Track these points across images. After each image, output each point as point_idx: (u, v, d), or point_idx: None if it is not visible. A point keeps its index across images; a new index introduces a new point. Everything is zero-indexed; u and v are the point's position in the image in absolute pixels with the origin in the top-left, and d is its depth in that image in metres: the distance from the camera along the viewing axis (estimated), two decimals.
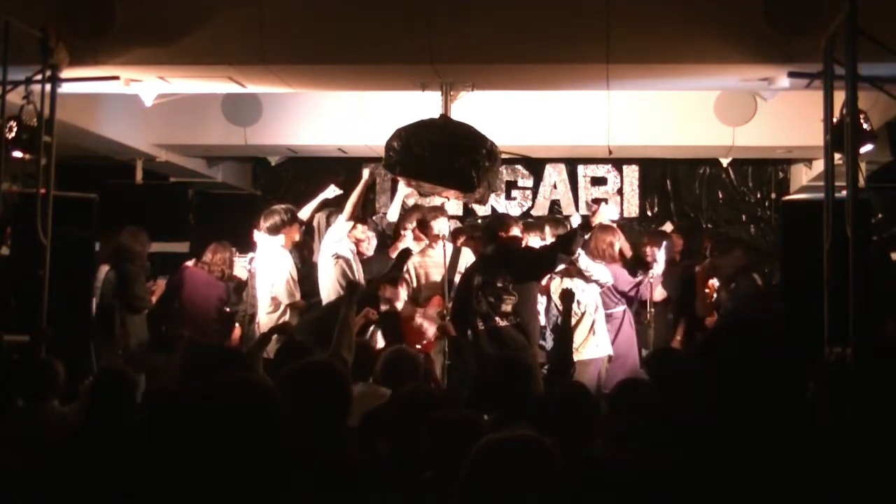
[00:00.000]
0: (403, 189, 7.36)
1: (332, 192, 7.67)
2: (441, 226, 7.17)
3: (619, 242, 7.22)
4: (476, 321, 6.28)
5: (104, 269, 7.30)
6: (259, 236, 7.49)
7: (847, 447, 3.18)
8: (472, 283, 6.35)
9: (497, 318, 6.28)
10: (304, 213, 7.57)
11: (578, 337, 6.59)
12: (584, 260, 6.72)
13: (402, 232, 7.62)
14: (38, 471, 3.52)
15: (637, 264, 7.58)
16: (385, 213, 8.42)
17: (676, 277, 7.52)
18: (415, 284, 7.15)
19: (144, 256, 7.51)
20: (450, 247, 7.18)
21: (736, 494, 2.25)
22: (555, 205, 10.17)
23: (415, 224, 7.53)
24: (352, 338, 4.66)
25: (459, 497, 2.06)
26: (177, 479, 2.65)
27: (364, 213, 8.08)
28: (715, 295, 7.03)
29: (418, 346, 6.77)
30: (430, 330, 6.84)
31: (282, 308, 7.08)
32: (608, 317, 6.99)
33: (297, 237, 7.42)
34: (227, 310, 7.83)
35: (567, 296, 5.93)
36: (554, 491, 1.99)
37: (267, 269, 7.16)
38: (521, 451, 2.04)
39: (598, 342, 6.74)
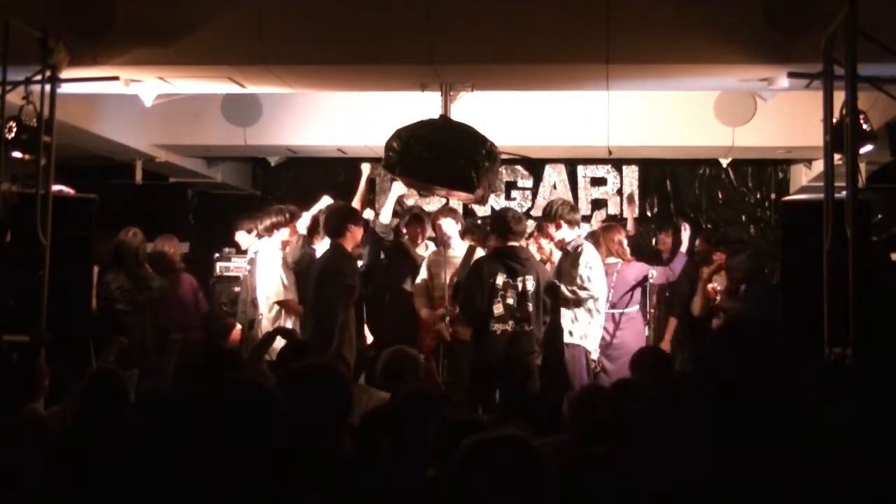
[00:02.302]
0: (397, 190, 7.38)
1: (325, 202, 7.67)
2: (448, 226, 7.19)
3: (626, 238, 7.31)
4: (490, 322, 6.25)
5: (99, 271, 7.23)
6: (242, 237, 7.51)
7: (843, 446, 3.18)
8: (494, 281, 6.29)
9: (511, 322, 6.26)
10: (301, 225, 7.53)
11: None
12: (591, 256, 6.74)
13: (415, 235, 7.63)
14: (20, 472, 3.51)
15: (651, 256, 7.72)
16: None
17: (681, 274, 7.58)
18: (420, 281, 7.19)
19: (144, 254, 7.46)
20: (461, 247, 7.20)
21: (735, 494, 2.25)
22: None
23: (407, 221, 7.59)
24: (352, 339, 4.66)
25: (444, 498, 2.05)
26: (174, 480, 2.65)
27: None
28: (718, 298, 7.04)
29: (429, 342, 6.83)
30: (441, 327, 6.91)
31: (276, 309, 7.08)
32: (624, 315, 7.01)
33: (291, 237, 7.40)
34: (225, 309, 7.83)
35: (552, 289, 5.90)
36: (540, 492, 1.97)
37: (264, 271, 7.16)
38: (503, 452, 2.03)
39: (584, 332, 6.72)
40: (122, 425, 3.93)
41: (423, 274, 7.24)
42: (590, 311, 6.63)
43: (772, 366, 2.29)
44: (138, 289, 7.05)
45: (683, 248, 7.51)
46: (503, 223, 6.55)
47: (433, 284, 7.16)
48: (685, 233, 7.60)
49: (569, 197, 10.00)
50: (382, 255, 7.61)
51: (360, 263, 7.38)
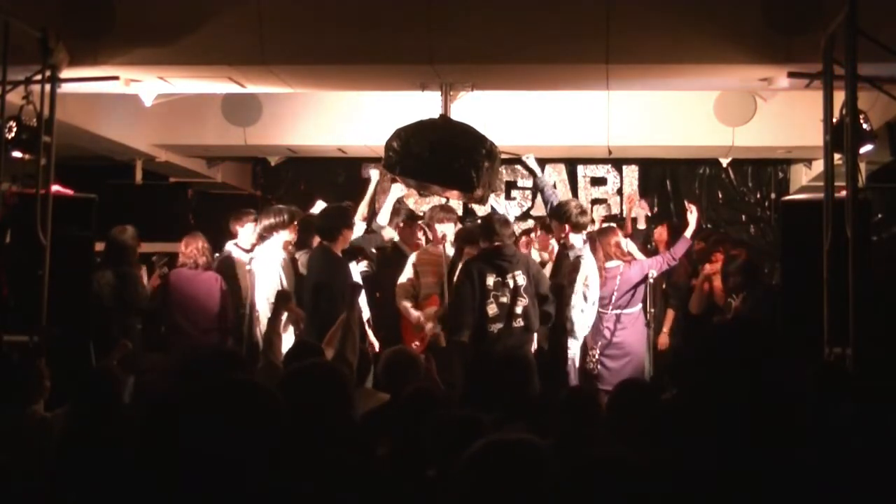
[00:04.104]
0: (395, 193, 7.39)
1: (318, 207, 7.65)
2: (446, 229, 7.18)
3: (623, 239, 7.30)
4: (487, 325, 6.26)
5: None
6: (244, 231, 7.48)
7: (838, 447, 3.18)
8: (485, 283, 6.30)
9: (507, 321, 6.27)
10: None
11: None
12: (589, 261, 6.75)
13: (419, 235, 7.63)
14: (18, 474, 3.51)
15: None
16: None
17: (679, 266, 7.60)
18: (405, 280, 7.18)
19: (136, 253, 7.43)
20: (450, 249, 7.19)
21: (734, 495, 2.25)
22: None
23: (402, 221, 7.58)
24: (355, 340, 4.66)
25: (452, 498, 2.04)
26: (172, 480, 2.64)
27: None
28: (732, 300, 7.05)
29: (415, 344, 6.80)
30: (429, 327, 6.88)
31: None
32: (626, 315, 7.02)
33: (291, 238, 7.38)
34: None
35: (559, 291, 5.90)
36: (548, 497, 1.96)
37: (264, 271, 7.14)
38: (518, 455, 2.02)
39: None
40: (115, 425, 3.93)
41: (408, 273, 7.19)
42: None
43: (768, 367, 2.29)
44: (124, 287, 7.05)
45: (689, 232, 7.42)
46: (490, 227, 6.58)
47: (419, 283, 7.13)
48: (692, 215, 7.51)
49: (568, 197, 9.99)
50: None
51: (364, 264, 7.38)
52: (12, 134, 5.82)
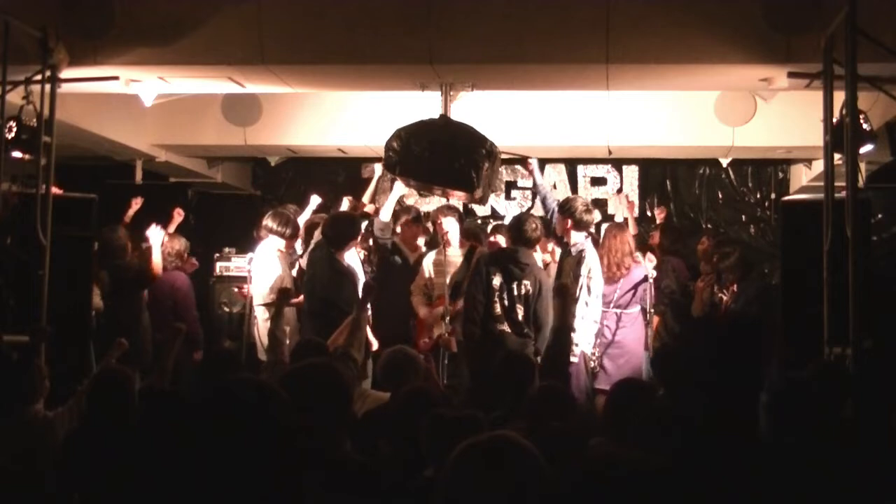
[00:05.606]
0: (398, 190, 7.38)
1: (314, 202, 7.66)
2: (450, 225, 7.18)
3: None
4: (493, 323, 6.26)
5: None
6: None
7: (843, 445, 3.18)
8: (492, 282, 6.29)
9: (507, 323, 6.27)
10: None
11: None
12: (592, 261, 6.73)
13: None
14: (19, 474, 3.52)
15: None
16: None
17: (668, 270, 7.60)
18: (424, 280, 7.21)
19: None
20: (459, 247, 7.20)
21: (734, 495, 2.25)
22: None
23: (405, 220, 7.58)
24: (363, 339, 4.68)
25: (440, 499, 2.03)
26: (176, 479, 2.64)
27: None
28: (723, 294, 7.04)
29: (424, 341, 6.82)
30: (435, 329, 6.89)
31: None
32: (626, 315, 7.01)
33: (293, 244, 7.38)
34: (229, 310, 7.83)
35: (563, 291, 5.86)
36: (533, 492, 1.95)
37: (261, 272, 7.15)
38: (496, 452, 2.01)
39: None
40: (128, 424, 3.94)
41: (425, 273, 7.23)
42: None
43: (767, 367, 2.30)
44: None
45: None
46: (520, 229, 6.51)
47: (433, 283, 7.16)
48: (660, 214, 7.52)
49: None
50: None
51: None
52: (12, 134, 5.83)
